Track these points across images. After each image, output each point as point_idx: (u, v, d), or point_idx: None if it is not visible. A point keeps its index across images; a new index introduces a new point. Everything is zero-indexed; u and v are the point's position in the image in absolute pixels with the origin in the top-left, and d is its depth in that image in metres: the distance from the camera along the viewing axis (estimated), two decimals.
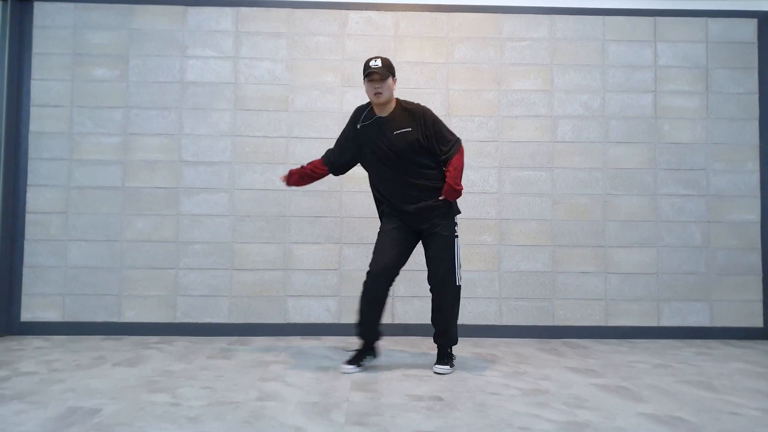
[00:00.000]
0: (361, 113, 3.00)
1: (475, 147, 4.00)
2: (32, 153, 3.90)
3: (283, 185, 3.85)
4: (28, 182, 3.88)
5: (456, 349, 3.44)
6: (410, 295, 3.94)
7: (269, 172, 3.95)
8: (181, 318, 3.88)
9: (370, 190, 3.99)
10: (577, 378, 2.75)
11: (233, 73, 3.98)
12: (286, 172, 3.51)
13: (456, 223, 2.97)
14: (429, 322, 3.93)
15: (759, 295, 3.98)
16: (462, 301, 3.92)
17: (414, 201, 2.89)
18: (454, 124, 4.01)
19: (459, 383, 2.63)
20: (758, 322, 3.97)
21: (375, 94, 2.85)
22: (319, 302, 3.93)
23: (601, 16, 4.07)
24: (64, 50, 3.95)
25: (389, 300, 3.94)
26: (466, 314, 3.93)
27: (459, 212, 3.01)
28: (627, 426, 2.03)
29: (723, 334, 3.94)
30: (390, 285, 2.92)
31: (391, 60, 3.09)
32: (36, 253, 3.87)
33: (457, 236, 2.95)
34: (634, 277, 3.98)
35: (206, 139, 3.95)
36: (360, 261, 3.94)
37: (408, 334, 3.91)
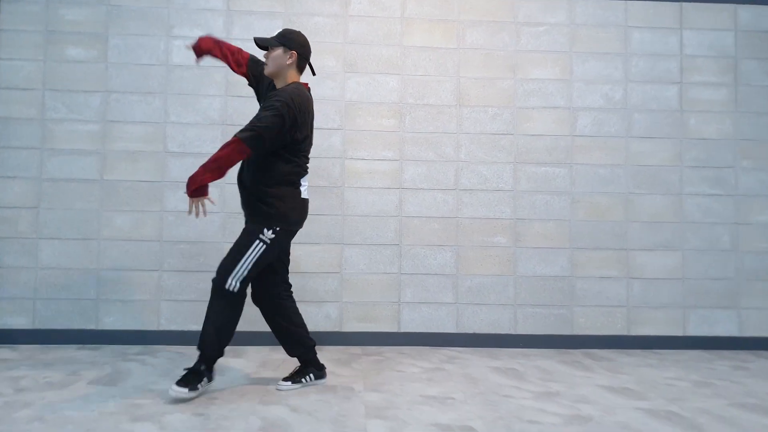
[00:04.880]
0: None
1: (489, 140, 3.69)
2: None
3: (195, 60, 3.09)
4: None
5: (474, 362, 3.13)
6: (418, 301, 3.62)
7: None
8: (165, 325, 3.51)
9: (373, 186, 3.67)
10: (618, 400, 2.45)
11: None
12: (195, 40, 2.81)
13: (274, 229, 2.45)
14: (439, 330, 3.63)
15: None
16: (473, 308, 3.62)
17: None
18: (466, 115, 3.69)
19: (489, 408, 2.31)
20: None
21: (264, 64, 2.59)
22: (318, 308, 3.59)
23: (623, 1, 3.78)
24: (34, 27, 3.55)
25: (396, 306, 3.62)
26: (478, 323, 3.61)
27: (288, 220, 2.47)
28: None
29: (752, 345, 3.68)
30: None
31: (299, 35, 2.58)
32: (3, 253, 3.47)
33: (263, 242, 2.42)
34: (659, 282, 3.70)
35: (194, 127, 3.58)
36: (363, 263, 3.60)
37: (415, 344, 3.58)
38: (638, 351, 3.60)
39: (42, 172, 3.51)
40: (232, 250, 2.42)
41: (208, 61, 3.61)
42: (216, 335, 2.36)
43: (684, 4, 3.80)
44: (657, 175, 3.74)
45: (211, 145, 3.58)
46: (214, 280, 2.40)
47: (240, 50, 2.69)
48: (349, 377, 2.75)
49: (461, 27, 3.73)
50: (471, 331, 3.62)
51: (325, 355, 3.30)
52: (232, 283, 2.37)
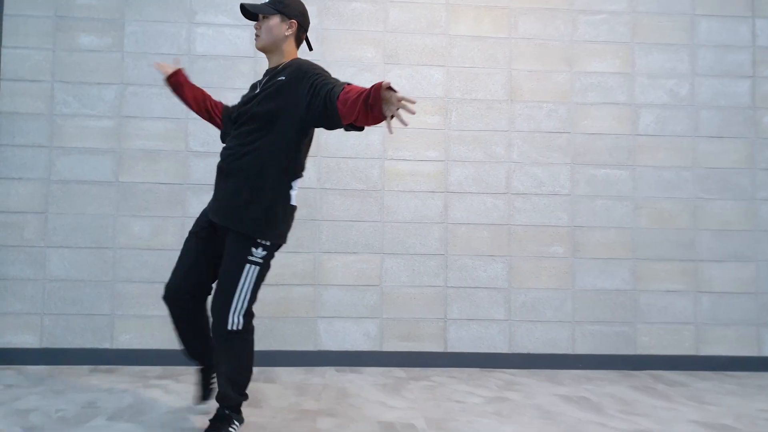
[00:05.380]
0: None
1: (543, 139, 3.35)
2: (3, 138, 3.15)
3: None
4: None
5: (536, 389, 2.77)
6: (466, 317, 3.27)
7: None
8: None
9: (416, 190, 3.32)
10: None
11: (252, 45, 3.27)
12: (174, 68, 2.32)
13: (264, 245, 1.99)
14: (489, 350, 3.27)
15: None
16: (528, 326, 3.27)
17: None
18: (518, 111, 3.35)
19: None
20: None
21: (255, 36, 2.12)
22: (357, 325, 3.24)
23: None
24: (43, 12, 3.20)
25: (442, 323, 3.26)
26: (533, 341, 3.27)
27: (281, 232, 2.03)
28: None
29: None
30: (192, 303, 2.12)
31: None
32: (7, 262, 3.12)
33: (253, 263, 1.97)
34: (730, 296, 3.35)
35: None
36: (405, 275, 3.26)
37: (464, 366, 3.23)
38: (708, 373, 3.25)
39: (51, 172, 3.16)
40: (220, 284, 1.97)
41: (232, 49, 3.27)
42: (233, 387, 1.98)
43: None
44: (727, 178, 3.39)
45: None
46: (212, 327, 1.96)
47: (210, 97, 2.30)
48: (405, 410, 2.40)
49: (512, 14, 3.39)
50: (525, 351, 3.27)
51: (366, 378, 2.95)
52: (234, 320, 1.94)
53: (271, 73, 2.06)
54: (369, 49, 3.32)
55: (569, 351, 3.29)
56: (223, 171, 2.04)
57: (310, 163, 3.26)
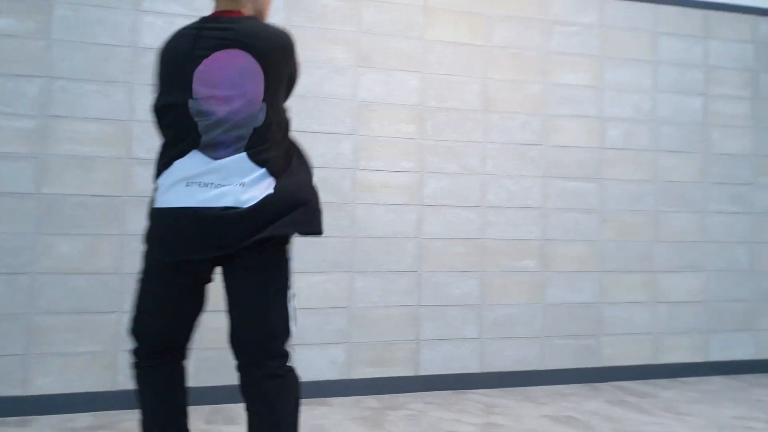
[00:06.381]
0: None
1: (517, 151, 3.26)
2: None
3: None
4: None
5: (519, 410, 2.66)
6: (438, 337, 3.13)
7: None
8: (124, 383, 2.73)
9: (389, 202, 3.10)
10: None
11: None
12: None
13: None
14: (462, 371, 3.15)
15: None
16: (500, 343, 3.19)
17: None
18: (493, 122, 3.23)
19: None
20: None
21: None
22: (322, 352, 2.98)
23: (652, 4, 3.49)
24: None
25: (414, 345, 3.08)
26: (505, 359, 3.20)
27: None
28: None
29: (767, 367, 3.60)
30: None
31: None
32: None
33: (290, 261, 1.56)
34: (683, 306, 3.49)
35: None
36: (376, 295, 3.04)
37: (436, 389, 3.09)
38: (666, 381, 3.37)
39: None
40: (268, 302, 1.43)
41: None
42: None
43: (710, 11, 3.58)
44: (683, 191, 3.51)
45: None
46: (267, 367, 1.42)
47: None
48: None
49: (490, 21, 3.24)
50: (496, 370, 3.19)
51: (339, 411, 2.71)
52: (289, 350, 1.48)
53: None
54: (340, 50, 3.03)
55: (540, 367, 3.26)
56: None
57: None
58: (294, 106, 2.96)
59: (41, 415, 2.61)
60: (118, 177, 2.75)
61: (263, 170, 1.44)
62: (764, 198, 3.64)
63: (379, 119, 3.07)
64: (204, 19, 1.49)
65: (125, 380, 2.74)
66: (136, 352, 1.52)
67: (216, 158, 1.41)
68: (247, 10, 1.56)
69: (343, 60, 3.03)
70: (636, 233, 3.43)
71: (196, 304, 1.53)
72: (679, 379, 3.44)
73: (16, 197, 2.64)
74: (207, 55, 1.43)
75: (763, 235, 3.63)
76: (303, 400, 2.89)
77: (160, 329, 1.49)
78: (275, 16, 2.94)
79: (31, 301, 2.65)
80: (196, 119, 1.42)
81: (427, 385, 3.10)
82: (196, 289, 1.51)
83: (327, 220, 2.99)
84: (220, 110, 1.42)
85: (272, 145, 1.47)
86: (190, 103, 1.42)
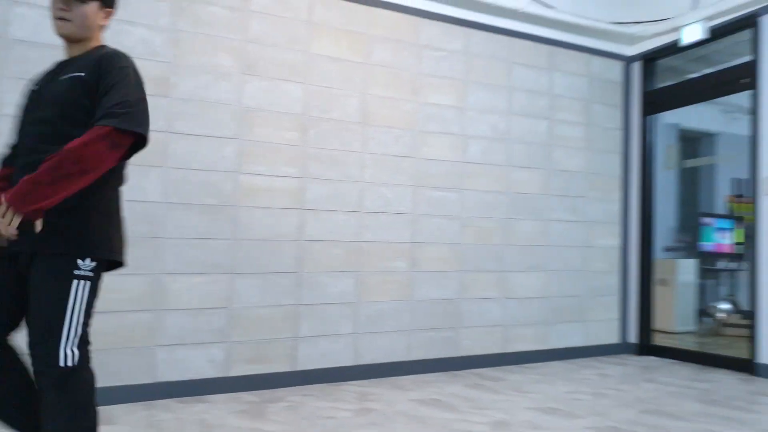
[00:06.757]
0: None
1: (392, 162, 3.57)
2: None
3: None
4: None
5: (390, 396, 2.97)
6: (315, 334, 3.34)
7: (138, 178, 2.92)
8: None
9: (271, 206, 3.24)
10: (562, 422, 2.57)
11: None
12: None
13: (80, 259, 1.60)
14: (337, 365, 3.39)
15: (617, 314, 4.40)
16: (371, 337, 3.48)
17: None
18: (370, 135, 3.51)
19: None
20: (614, 338, 4.39)
21: (56, 18, 1.69)
22: (201, 351, 3.05)
23: (508, 37, 3.99)
24: None
25: (292, 342, 3.27)
26: (375, 351, 3.49)
27: (98, 249, 1.62)
28: None
29: (594, 352, 4.26)
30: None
31: None
32: None
33: (83, 278, 1.59)
34: (529, 301, 4.03)
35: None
36: (256, 295, 3.18)
37: (312, 383, 3.30)
38: (514, 367, 3.88)
39: None
40: (40, 310, 1.54)
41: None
42: None
43: (554, 47, 4.17)
44: (530, 202, 4.05)
45: None
46: (36, 369, 1.53)
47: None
48: None
49: (368, 41, 3.52)
50: (368, 362, 3.47)
51: (218, 407, 2.82)
52: (67, 353, 1.54)
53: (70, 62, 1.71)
54: (226, 57, 3.12)
55: (406, 358, 3.59)
56: None
57: (154, 174, 2.96)
58: (178, 108, 3.01)
59: None
60: None
61: None
62: (594, 209, 4.31)
63: (263, 125, 3.21)
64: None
65: None
66: None
67: None
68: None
69: (228, 67, 3.13)
70: (490, 237, 3.90)
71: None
72: (525, 364, 3.97)
73: None
74: None
75: (593, 240, 4.30)
76: (179, 398, 2.95)
77: None
78: (162, 19, 2.97)
79: None
80: None
81: (304, 380, 3.29)
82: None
83: (208, 222, 3.07)
84: None
85: None
86: None
